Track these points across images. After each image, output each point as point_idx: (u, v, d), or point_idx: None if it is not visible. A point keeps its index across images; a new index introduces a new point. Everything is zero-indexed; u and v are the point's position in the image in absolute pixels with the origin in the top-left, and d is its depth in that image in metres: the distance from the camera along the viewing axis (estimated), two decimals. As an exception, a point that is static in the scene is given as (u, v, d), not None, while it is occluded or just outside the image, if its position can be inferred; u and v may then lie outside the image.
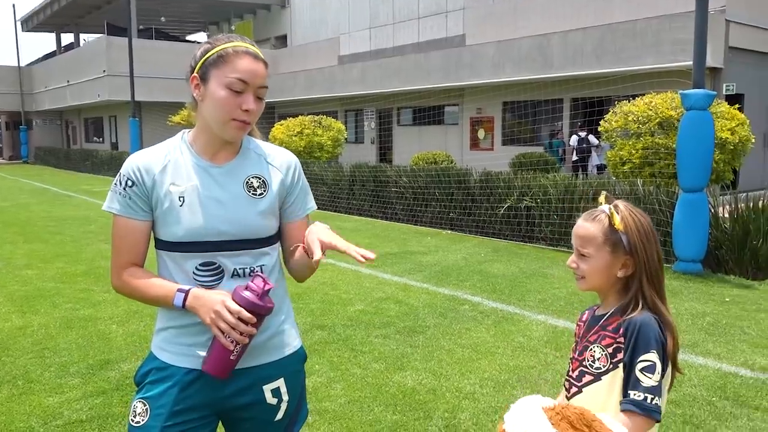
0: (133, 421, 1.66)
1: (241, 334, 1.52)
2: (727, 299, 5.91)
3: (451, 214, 10.45)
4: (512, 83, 16.97)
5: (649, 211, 7.16)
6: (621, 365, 1.53)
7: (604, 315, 1.63)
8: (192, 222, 1.62)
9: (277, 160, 1.75)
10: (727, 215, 7.18)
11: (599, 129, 9.43)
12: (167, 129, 21.57)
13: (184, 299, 1.58)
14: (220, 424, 1.77)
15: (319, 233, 1.60)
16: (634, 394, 1.48)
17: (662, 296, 1.60)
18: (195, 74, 1.63)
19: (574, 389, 1.63)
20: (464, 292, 6.25)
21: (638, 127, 8.49)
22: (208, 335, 1.60)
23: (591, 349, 1.61)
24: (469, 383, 3.95)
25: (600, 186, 8.42)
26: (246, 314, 1.51)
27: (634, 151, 8.51)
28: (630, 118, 8.61)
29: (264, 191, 1.69)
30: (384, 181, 11.98)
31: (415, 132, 21.80)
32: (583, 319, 1.74)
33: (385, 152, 23.09)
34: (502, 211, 9.44)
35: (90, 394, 3.80)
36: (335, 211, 12.82)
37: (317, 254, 1.56)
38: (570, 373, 1.67)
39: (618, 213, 1.58)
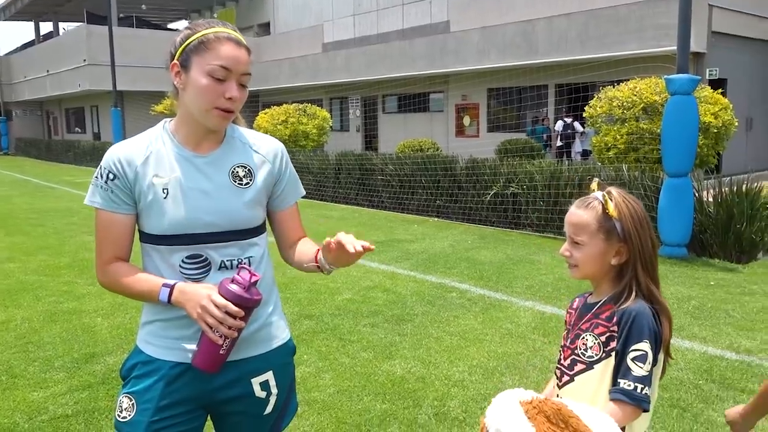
0: (119, 416, 1.63)
1: (230, 328, 1.49)
2: (712, 283, 5.96)
3: (438, 202, 10.45)
4: (497, 69, 16.95)
5: (635, 196, 7.19)
6: (614, 354, 1.52)
7: (597, 303, 1.61)
8: (176, 214, 1.57)
9: (264, 149, 1.71)
10: (711, 199, 7.23)
11: (584, 115, 9.46)
12: (150, 118, 21.31)
13: (170, 294, 1.55)
14: (209, 419, 1.74)
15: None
16: (624, 383, 1.47)
17: (657, 283, 1.58)
18: (175, 61, 1.58)
19: (565, 378, 1.62)
20: (452, 280, 6.26)
21: (623, 112, 8.52)
22: (195, 328, 1.57)
23: (583, 338, 1.59)
24: (457, 371, 3.95)
25: (585, 172, 8.44)
26: (233, 308, 1.48)
27: (618, 137, 8.54)
28: (614, 104, 8.63)
29: (250, 180, 1.66)
30: (370, 169, 11.94)
31: (401, 119, 21.75)
32: (574, 306, 1.72)
33: (370, 140, 23.03)
34: (488, 198, 9.45)
35: (75, 388, 3.75)
36: (321, 199, 12.77)
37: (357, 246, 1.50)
38: (561, 361, 1.66)
39: (612, 200, 1.56)
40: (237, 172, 1.65)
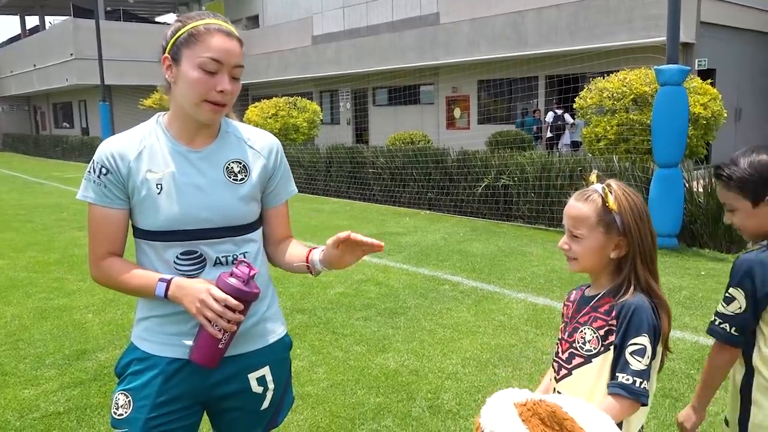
0: (115, 413, 1.61)
1: (229, 321, 1.48)
2: (702, 273, 6.00)
3: (429, 194, 10.44)
4: (487, 61, 16.94)
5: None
6: (612, 348, 1.51)
7: (595, 296, 1.59)
8: (171, 210, 1.56)
9: (259, 144, 1.69)
10: (701, 190, 7.27)
11: (574, 106, 9.47)
12: (139, 113, 21.19)
13: (166, 289, 1.53)
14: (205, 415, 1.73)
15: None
16: (623, 377, 1.46)
17: (656, 277, 1.57)
18: (166, 55, 1.55)
19: (563, 371, 1.61)
20: (444, 272, 6.26)
21: (613, 103, 8.54)
22: (192, 323, 1.56)
23: (581, 331, 1.58)
24: (451, 363, 3.96)
25: (576, 163, 8.46)
26: (233, 301, 1.47)
27: (609, 128, 8.56)
28: (605, 95, 8.65)
29: (245, 176, 1.64)
30: (361, 162, 11.92)
31: (391, 112, 21.71)
32: (571, 299, 1.71)
33: (361, 133, 22.98)
34: (479, 190, 9.45)
35: (67, 385, 3.73)
36: (313, 193, 12.74)
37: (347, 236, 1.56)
38: (560, 354, 1.64)
39: (611, 193, 1.54)
40: (232, 167, 1.63)
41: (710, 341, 4.33)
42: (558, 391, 1.60)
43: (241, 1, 30.01)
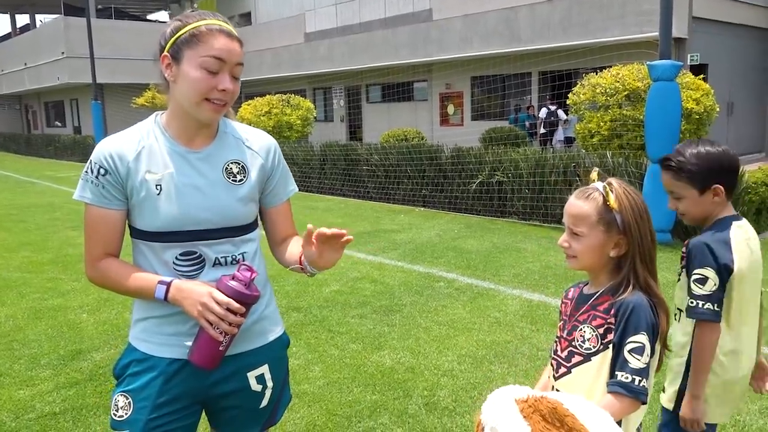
0: (115, 415, 1.61)
1: (230, 324, 1.49)
2: (695, 267, 6.02)
3: (424, 191, 10.45)
4: (480, 57, 16.93)
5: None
6: (611, 346, 1.51)
7: (594, 294, 1.60)
8: (170, 211, 1.55)
9: (256, 144, 1.70)
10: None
11: (568, 102, 9.48)
12: (131, 111, 21.10)
13: (166, 292, 1.53)
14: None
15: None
16: (622, 376, 1.46)
17: (654, 276, 1.58)
18: (166, 53, 1.54)
19: (562, 369, 1.61)
20: (439, 269, 6.27)
21: (606, 99, 8.54)
22: (191, 323, 1.56)
23: (581, 330, 1.58)
24: (447, 360, 3.97)
25: (570, 159, 8.48)
26: (235, 305, 1.48)
27: (602, 124, 8.57)
28: (598, 91, 8.66)
29: (244, 177, 1.64)
30: (355, 159, 11.91)
31: (385, 109, 21.69)
32: (569, 296, 1.70)
33: (354, 130, 22.96)
34: (474, 187, 9.46)
35: (62, 385, 3.72)
36: (307, 191, 12.72)
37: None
38: (558, 352, 1.64)
39: (612, 191, 1.54)
40: (231, 168, 1.63)
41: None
42: (557, 389, 1.60)
43: (233, -2, 29.91)
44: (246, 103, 15.69)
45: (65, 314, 5.08)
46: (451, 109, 19.58)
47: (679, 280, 2.02)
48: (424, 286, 5.69)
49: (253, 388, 1.68)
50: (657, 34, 6.94)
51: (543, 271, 6.03)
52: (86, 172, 1.58)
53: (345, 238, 1.52)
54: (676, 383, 2.01)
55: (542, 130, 15.59)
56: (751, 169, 7.61)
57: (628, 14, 13.42)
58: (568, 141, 14.72)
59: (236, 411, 1.69)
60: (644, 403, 1.48)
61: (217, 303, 1.47)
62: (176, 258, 1.58)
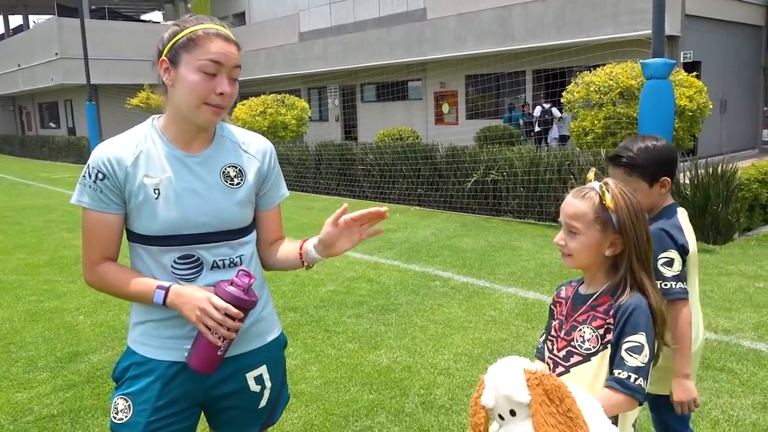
0: (115, 418, 1.62)
1: (229, 329, 1.50)
2: (689, 264, 6.05)
3: (419, 190, 10.47)
4: (474, 56, 16.97)
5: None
6: (609, 345, 1.53)
7: (593, 294, 1.60)
8: (168, 215, 1.56)
9: (253, 148, 1.71)
10: (687, 182, 7.33)
11: (562, 100, 9.52)
12: (126, 112, 21.09)
13: (165, 296, 1.54)
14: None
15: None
16: (619, 373, 1.48)
17: (651, 276, 1.59)
18: (164, 58, 1.55)
19: (560, 369, 1.62)
20: (435, 268, 6.29)
21: (600, 97, 8.58)
22: (189, 327, 1.57)
23: (580, 330, 1.59)
24: (443, 359, 3.99)
25: (564, 158, 8.51)
26: (233, 310, 1.49)
27: (596, 122, 8.61)
28: (591, 89, 8.70)
29: (241, 180, 1.65)
30: (350, 159, 11.92)
31: (379, 108, 21.70)
32: (562, 295, 1.71)
33: (349, 130, 22.96)
34: (469, 186, 9.49)
35: (60, 387, 3.72)
36: (302, 190, 12.73)
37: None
38: (555, 352, 1.65)
39: (609, 191, 1.56)
40: (228, 172, 1.64)
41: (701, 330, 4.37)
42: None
43: (227, -2, 29.86)
44: (241, 103, 15.67)
45: (62, 316, 5.08)
46: (445, 108, 19.61)
47: None
48: (420, 285, 5.71)
49: (251, 389, 1.69)
50: (650, 32, 6.97)
51: (538, 269, 6.06)
52: (84, 176, 1.58)
53: (383, 210, 1.67)
54: None
55: (537, 128, 15.63)
56: (744, 166, 7.66)
57: (621, 12, 13.46)
58: (563, 139, 14.77)
59: (235, 412, 1.71)
60: (641, 403, 1.49)
61: (216, 308, 1.48)
62: (174, 261, 1.59)
